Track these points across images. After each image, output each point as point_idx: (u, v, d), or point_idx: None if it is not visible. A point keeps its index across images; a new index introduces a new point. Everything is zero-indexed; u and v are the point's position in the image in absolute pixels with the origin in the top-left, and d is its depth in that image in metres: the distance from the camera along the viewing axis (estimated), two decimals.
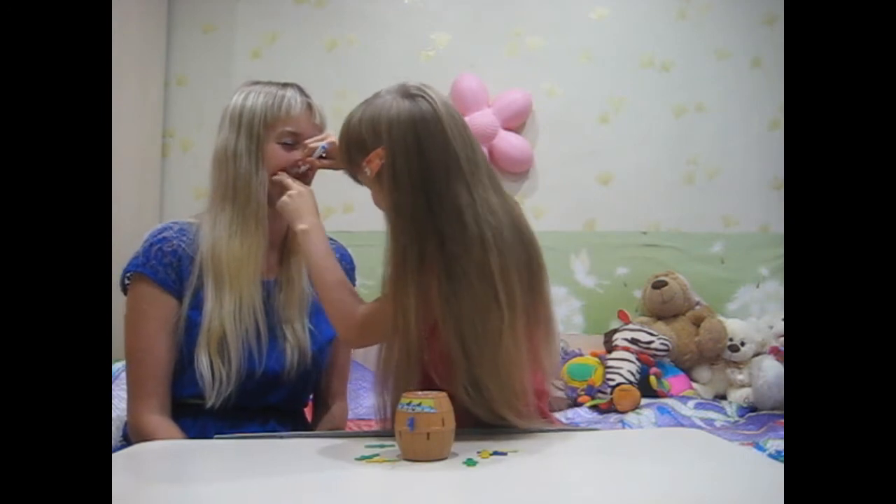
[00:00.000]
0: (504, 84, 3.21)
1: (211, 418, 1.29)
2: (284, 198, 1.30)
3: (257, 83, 1.38)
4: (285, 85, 1.38)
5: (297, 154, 1.35)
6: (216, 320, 1.27)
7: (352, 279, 1.51)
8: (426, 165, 1.12)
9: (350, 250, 1.55)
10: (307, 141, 1.36)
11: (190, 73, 3.35)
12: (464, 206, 1.11)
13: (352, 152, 1.18)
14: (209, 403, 1.26)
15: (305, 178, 1.37)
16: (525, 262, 1.16)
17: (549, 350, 1.21)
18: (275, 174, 1.33)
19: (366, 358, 2.70)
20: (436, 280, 1.11)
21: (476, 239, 1.10)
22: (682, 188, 3.22)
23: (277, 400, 1.35)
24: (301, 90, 1.38)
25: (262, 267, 1.36)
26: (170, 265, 1.30)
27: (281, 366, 1.33)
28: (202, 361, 1.26)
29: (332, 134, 1.37)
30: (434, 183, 1.12)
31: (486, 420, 1.13)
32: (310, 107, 1.37)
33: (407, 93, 1.15)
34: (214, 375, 1.26)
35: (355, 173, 1.21)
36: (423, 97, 1.15)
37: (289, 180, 1.32)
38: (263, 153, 1.33)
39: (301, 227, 1.26)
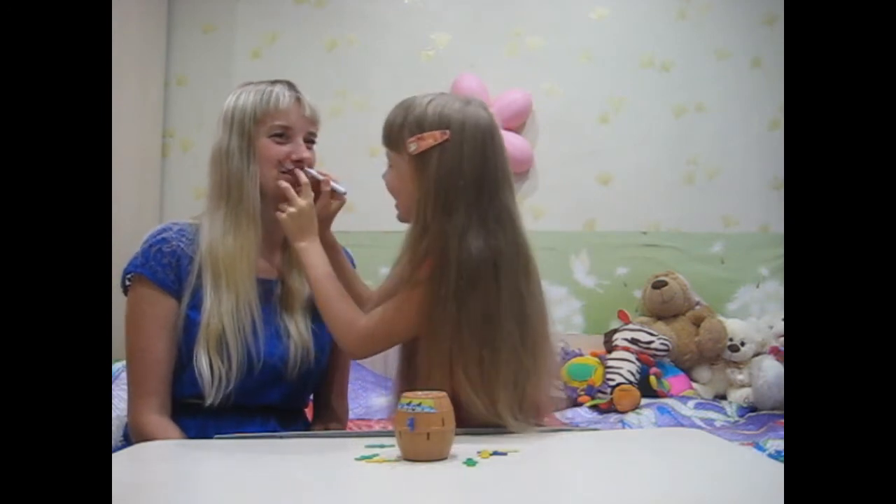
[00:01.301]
0: (504, 84, 3.21)
1: (211, 418, 1.29)
2: (283, 215, 1.31)
3: (250, 83, 1.39)
4: (275, 82, 1.38)
5: (289, 147, 1.35)
6: (215, 317, 1.28)
7: None
8: (488, 165, 1.22)
9: (350, 250, 1.55)
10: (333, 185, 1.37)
11: (190, 73, 3.35)
12: (511, 208, 1.24)
13: (406, 125, 1.22)
14: (209, 401, 1.27)
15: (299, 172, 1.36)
16: (526, 275, 1.25)
17: (547, 365, 1.26)
18: (281, 172, 1.34)
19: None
20: (463, 265, 1.17)
21: (514, 239, 1.22)
22: (682, 188, 3.22)
23: (278, 398, 1.35)
24: (290, 85, 1.38)
25: (264, 265, 1.37)
26: (169, 266, 1.31)
27: (283, 364, 1.33)
28: (201, 359, 1.27)
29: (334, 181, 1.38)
30: (491, 182, 1.22)
31: (479, 415, 1.14)
32: (298, 100, 1.36)
33: (475, 103, 1.25)
34: (214, 373, 1.27)
35: (396, 147, 1.25)
36: (489, 112, 1.26)
37: (292, 193, 1.32)
38: (255, 149, 1.33)
39: (299, 244, 1.31)
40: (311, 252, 1.30)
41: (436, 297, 1.16)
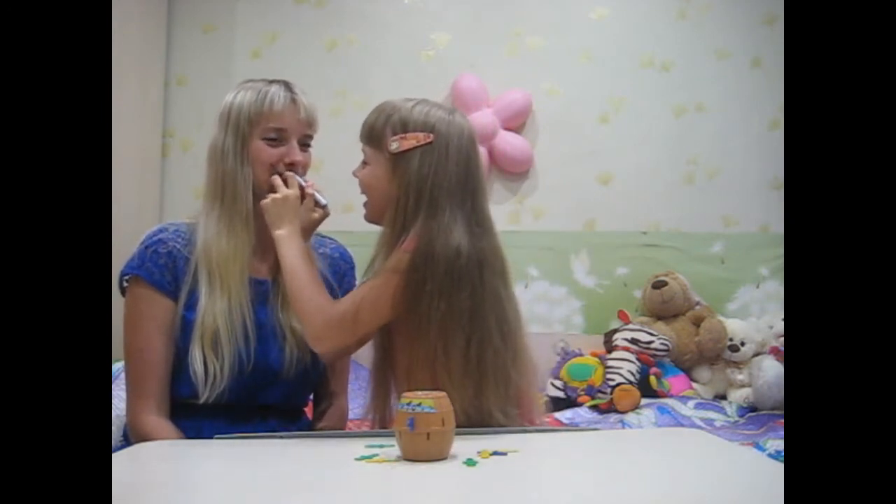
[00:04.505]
0: (504, 84, 3.21)
1: (209, 418, 1.29)
2: (267, 200, 1.31)
3: (249, 81, 1.38)
4: (272, 81, 1.37)
5: (282, 150, 1.34)
6: (210, 316, 1.28)
7: (351, 278, 1.51)
8: (470, 170, 1.25)
9: (350, 250, 1.55)
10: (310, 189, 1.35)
11: (190, 73, 3.35)
12: (489, 214, 1.28)
13: (389, 124, 1.25)
14: (202, 399, 1.26)
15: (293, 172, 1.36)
16: (503, 278, 1.29)
17: (527, 366, 1.28)
18: (271, 174, 1.33)
19: (364, 356, 2.70)
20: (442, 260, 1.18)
21: (493, 243, 1.26)
22: (682, 188, 3.22)
23: (275, 398, 1.35)
24: (288, 85, 1.36)
25: (258, 266, 1.37)
26: (165, 266, 1.31)
27: (279, 364, 1.33)
28: (195, 356, 1.27)
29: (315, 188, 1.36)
30: (473, 187, 1.25)
31: (462, 412, 1.15)
32: (294, 101, 1.34)
33: (458, 112, 1.29)
34: (207, 370, 1.26)
35: (376, 144, 1.27)
36: (470, 123, 1.30)
37: (279, 182, 1.32)
38: (249, 150, 1.32)
39: (278, 232, 1.29)
40: (289, 240, 1.28)
41: (419, 291, 1.17)
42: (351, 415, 1.58)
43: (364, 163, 1.30)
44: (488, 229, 1.26)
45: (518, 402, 1.23)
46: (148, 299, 1.30)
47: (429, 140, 1.23)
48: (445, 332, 1.17)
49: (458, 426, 1.00)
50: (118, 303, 1.20)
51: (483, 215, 1.26)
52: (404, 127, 1.24)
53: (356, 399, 2.51)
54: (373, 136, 1.27)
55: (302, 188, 1.34)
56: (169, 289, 1.30)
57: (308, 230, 1.35)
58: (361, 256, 1.50)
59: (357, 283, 1.52)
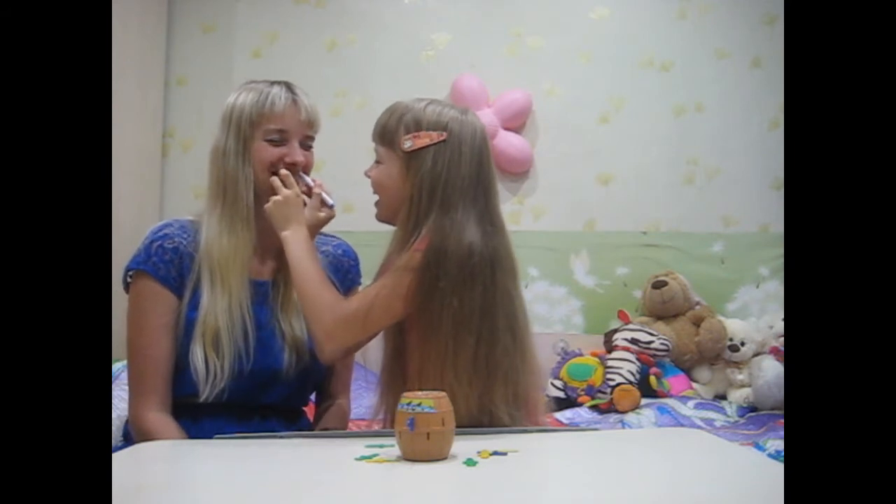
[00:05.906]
0: (504, 84, 3.21)
1: (208, 417, 1.29)
2: (269, 204, 1.31)
3: (252, 82, 1.38)
4: (274, 82, 1.37)
5: (283, 150, 1.34)
6: (211, 315, 1.28)
7: (356, 274, 1.51)
8: (483, 169, 1.26)
9: (353, 248, 1.55)
10: (318, 190, 1.35)
11: (190, 73, 3.35)
12: (500, 214, 1.28)
13: (402, 123, 1.25)
14: (202, 397, 1.27)
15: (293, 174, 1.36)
16: (513, 277, 1.29)
17: (534, 364, 1.28)
18: (272, 174, 1.33)
19: (368, 358, 2.70)
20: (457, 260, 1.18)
21: (505, 242, 1.27)
22: (682, 188, 3.22)
23: (275, 399, 1.35)
24: (289, 86, 1.37)
25: (258, 268, 1.37)
26: (171, 262, 1.31)
27: (278, 364, 1.33)
28: (196, 354, 1.27)
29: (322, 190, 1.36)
30: (486, 186, 1.26)
31: (471, 411, 1.15)
32: (295, 103, 1.35)
33: (469, 112, 1.30)
34: (208, 368, 1.27)
35: (389, 143, 1.27)
36: (482, 123, 1.30)
37: (278, 183, 1.32)
38: (251, 151, 1.33)
39: (284, 233, 1.30)
40: (296, 239, 1.29)
41: (432, 289, 1.17)
42: (351, 415, 1.58)
43: (376, 162, 1.30)
44: (500, 228, 1.26)
45: (524, 400, 1.23)
46: (153, 295, 1.30)
47: (442, 138, 1.23)
48: (456, 330, 1.17)
49: (462, 425, 1.00)
50: (118, 304, 1.20)
51: (495, 214, 1.27)
52: (417, 125, 1.24)
53: (356, 399, 2.52)
54: (385, 134, 1.27)
55: (309, 187, 1.34)
56: (174, 285, 1.30)
57: (314, 229, 1.35)
58: (362, 256, 1.50)
59: (363, 281, 1.52)
